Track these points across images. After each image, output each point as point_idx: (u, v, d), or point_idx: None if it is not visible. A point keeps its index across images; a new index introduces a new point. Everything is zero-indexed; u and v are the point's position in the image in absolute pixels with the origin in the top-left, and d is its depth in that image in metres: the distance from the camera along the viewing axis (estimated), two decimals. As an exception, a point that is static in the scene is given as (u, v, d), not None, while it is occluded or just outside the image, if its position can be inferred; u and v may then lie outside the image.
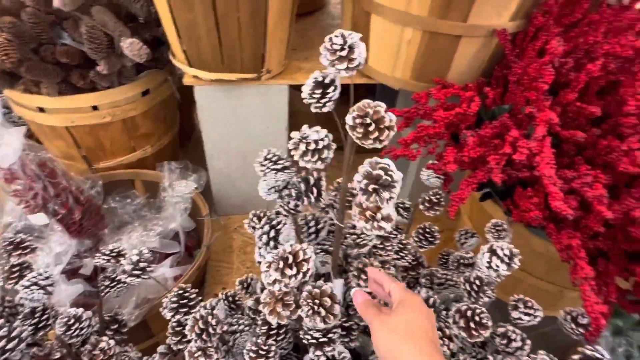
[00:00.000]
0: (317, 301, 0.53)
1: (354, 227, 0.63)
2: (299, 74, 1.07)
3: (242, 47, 0.92)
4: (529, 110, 0.70)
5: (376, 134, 0.39)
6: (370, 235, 0.63)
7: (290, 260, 0.49)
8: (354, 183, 0.45)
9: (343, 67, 0.41)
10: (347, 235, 0.64)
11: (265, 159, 0.55)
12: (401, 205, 0.83)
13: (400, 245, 0.74)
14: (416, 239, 0.80)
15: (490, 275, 0.60)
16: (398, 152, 0.82)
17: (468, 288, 0.64)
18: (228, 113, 1.10)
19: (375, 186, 0.40)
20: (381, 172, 0.40)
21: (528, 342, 0.64)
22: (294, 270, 0.49)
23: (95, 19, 0.99)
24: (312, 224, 0.64)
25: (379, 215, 0.43)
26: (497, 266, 0.58)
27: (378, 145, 0.41)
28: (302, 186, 0.56)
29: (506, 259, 0.58)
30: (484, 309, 0.60)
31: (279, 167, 0.54)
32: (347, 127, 0.41)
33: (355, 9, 0.96)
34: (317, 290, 0.54)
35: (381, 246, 0.69)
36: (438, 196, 0.78)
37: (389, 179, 0.40)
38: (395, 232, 0.75)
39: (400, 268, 0.79)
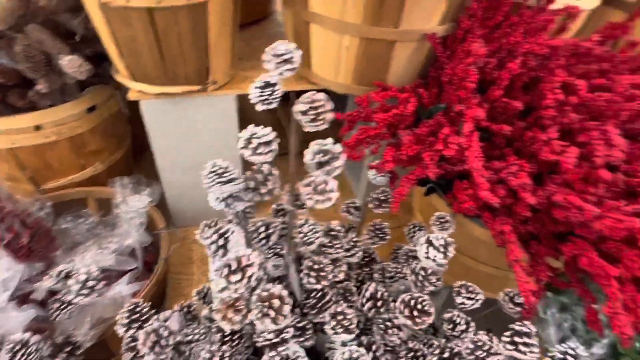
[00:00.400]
0: (266, 303, 0.55)
1: (300, 226, 0.65)
2: (245, 84, 1.08)
3: (185, 60, 0.92)
4: (458, 109, 0.75)
5: (324, 116, 0.50)
6: (317, 232, 0.65)
7: (235, 266, 0.51)
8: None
9: (291, 67, 0.50)
10: (294, 235, 0.66)
11: (211, 172, 0.56)
12: (352, 205, 0.86)
13: (351, 243, 0.77)
14: (368, 236, 0.84)
15: (429, 265, 0.64)
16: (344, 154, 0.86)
17: (414, 279, 0.68)
18: (177, 125, 1.10)
19: (331, 156, 0.51)
20: (329, 147, 0.51)
21: (472, 324, 0.69)
22: (239, 276, 0.51)
23: (30, 38, 0.96)
24: (262, 229, 0.65)
25: (328, 187, 0.52)
26: (435, 256, 0.62)
27: (322, 127, 0.51)
28: (253, 183, 0.59)
29: (442, 249, 0.62)
30: (426, 297, 0.63)
31: (224, 179, 0.56)
32: (298, 113, 0.50)
33: (295, 19, 0.99)
34: (265, 293, 0.56)
35: (330, 244, 0.71)
36: (386, 194, 0.81)
37: (335, 151, 0.52)
38: (343, 231, 0.79)
39: (354, 265, 0.82)
